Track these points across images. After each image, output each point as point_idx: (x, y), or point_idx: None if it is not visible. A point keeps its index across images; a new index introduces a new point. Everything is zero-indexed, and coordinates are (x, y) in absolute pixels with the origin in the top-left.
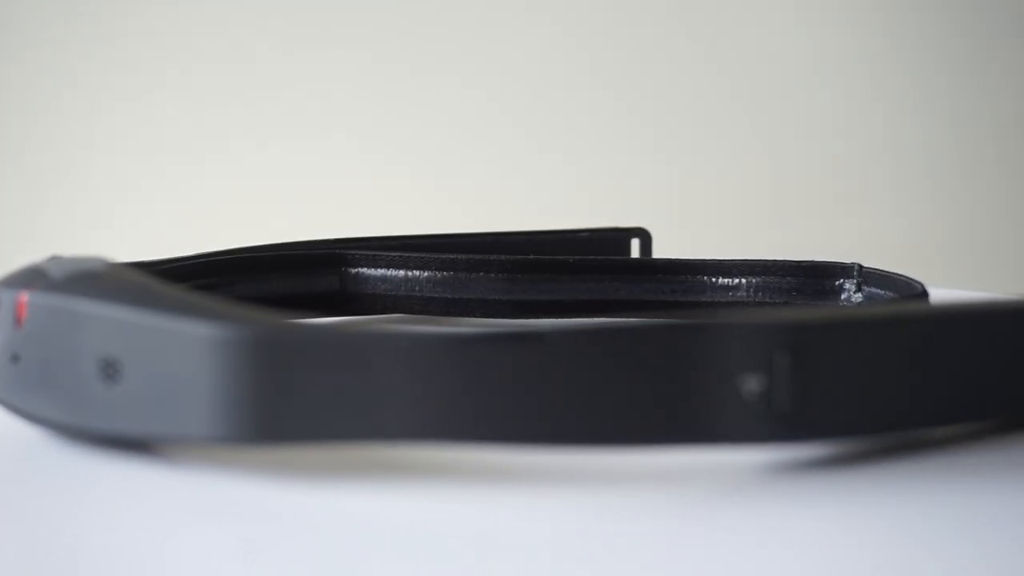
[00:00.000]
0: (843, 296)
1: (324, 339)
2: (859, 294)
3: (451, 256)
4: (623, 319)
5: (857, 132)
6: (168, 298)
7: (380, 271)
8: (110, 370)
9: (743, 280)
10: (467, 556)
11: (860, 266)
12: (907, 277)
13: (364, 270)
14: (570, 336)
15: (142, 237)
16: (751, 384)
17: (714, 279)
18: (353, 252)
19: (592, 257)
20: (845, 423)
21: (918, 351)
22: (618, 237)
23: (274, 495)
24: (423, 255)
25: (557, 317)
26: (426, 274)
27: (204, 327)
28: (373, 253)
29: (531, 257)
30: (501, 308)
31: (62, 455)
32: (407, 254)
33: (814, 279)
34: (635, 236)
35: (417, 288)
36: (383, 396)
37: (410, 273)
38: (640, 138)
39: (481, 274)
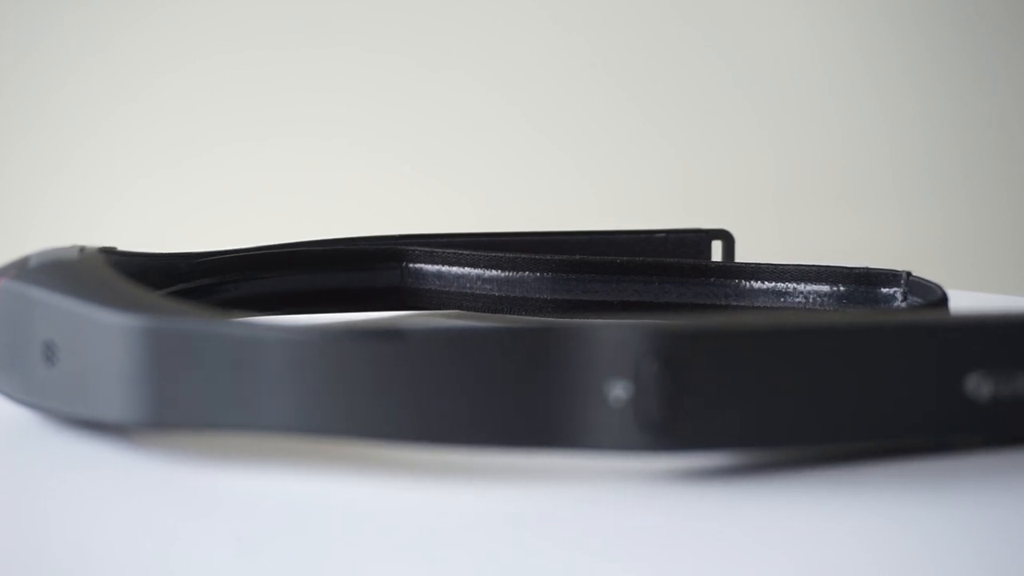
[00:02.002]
0: (893, 305)
1: (205, 331)
2: (904, 303)
3: (499, 254)
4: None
5: (858, 132)
6: (97, 289)
7: (435, 267)
8: (49, 352)
9: (795, 286)
10: (451, 546)
11: (909, 274)
12: (936, 284)
13: (422, 266)
14: (431, 335)
15: (146, 235)
16: (618, 391)
17: (766, 284)
18: (412, 248)
19: (641, 258)
20: (721, 435)
21: (800, 364)
22: (697, 238)
23: (264, 487)
24: (474, 252)
25: (603, 318)
26: (476, 271)
27: (108, 315)
28: (430, 249)
29: (577, 257)
30: (546, 307)
31: (45, 440)
32: (459, 251)
33: (865, 287)
34: (716, 238)
35: (468, 285)
36: (254, 388)
37: (462, 270)
38: (642, 137)
39: (527, 273)
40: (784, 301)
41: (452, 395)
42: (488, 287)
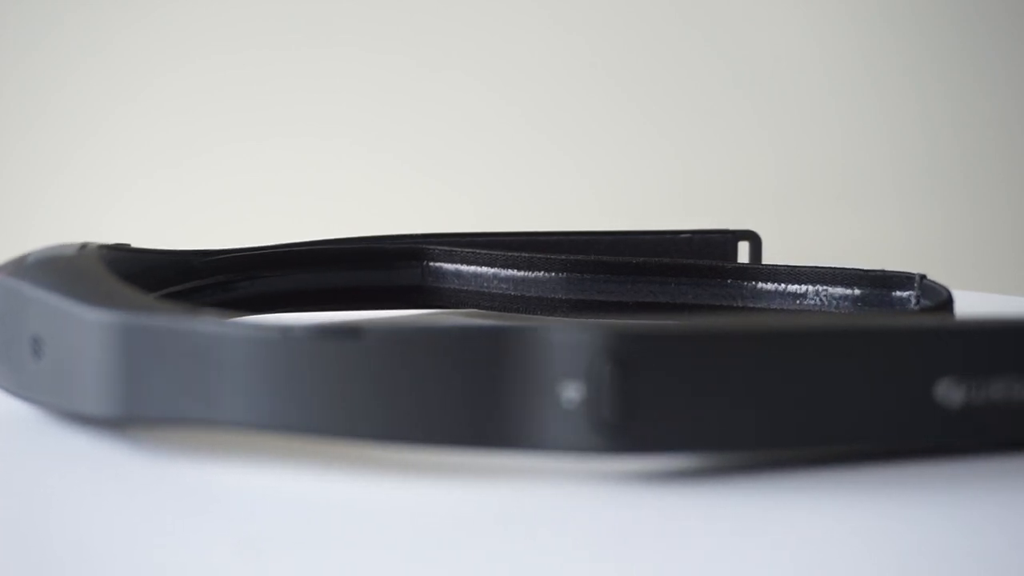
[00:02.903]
0: (907, 308)
1: (171, 328)
2: (917, 306)
3: (514, 254)
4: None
5: (858, 132)
6: (78, 285)
7: (454, 266)
8: (36, 346)
9: (811, 288)
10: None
11: (923, 277)
12: (943, 287)
13: (442, 265)
14: (388, 335)
15: (146, 235)
16: (571, 392)
17: (782, 286)
18: (433, 247)
19: (657, 259)
20: (673, 438)
21: (757, 368)
22: (723, 240)
23: (261, 483)
24: (491, 252)
25: (618, 318)
26: (492, 271)
27: (82, 310)
28: (449, 248)
29: (592, 257)
30: (560, 307)
31: (43, 434)
32: (477, 250)
33: (880, 289)
34: (743, 239)
35: (485, 284)
36: (217, 384)
37: (479, 269)
38: (642, 137)
39: (542, 273)
40: (800, 303)
41: (408, 394)
42: (504, 286)
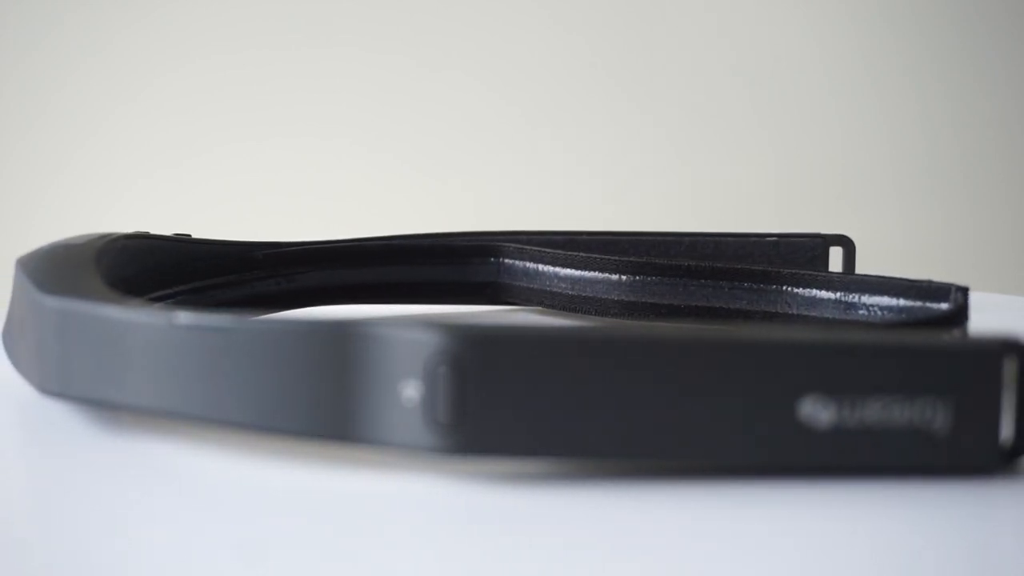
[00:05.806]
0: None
1: (92, 315)
2: None
3: (573, 254)
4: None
5: (858, 132)
6: (48, 272)
7: (523, 264)
8: (21, 326)
9: (860, 297)
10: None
11: (958, 289)
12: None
13: (514, 262)
14: (253, 330)
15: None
16: (410, 391)
17: (835, 294)
18: (507, 244)
19: (709, 263)
20: (507, 441)
21: (599, 376)
22: (812, 244)
23: (257, 479)
24: (554, 251)
25: (670, 321)
26: (553, 269)
27: (38, 296)
28: (520, 246)
29: (644, 259)
30: (613, 308)
31: (47, 425)
32: (543, 249)
33: (923, 301)
34: (835, 244)
35: (547, 283)
36: (126, 370)
37: (544, 268)
38: (642, 137)
39: (596, 273)
40: (848, 313)
41: (267, 386)
42: (563, 285)
